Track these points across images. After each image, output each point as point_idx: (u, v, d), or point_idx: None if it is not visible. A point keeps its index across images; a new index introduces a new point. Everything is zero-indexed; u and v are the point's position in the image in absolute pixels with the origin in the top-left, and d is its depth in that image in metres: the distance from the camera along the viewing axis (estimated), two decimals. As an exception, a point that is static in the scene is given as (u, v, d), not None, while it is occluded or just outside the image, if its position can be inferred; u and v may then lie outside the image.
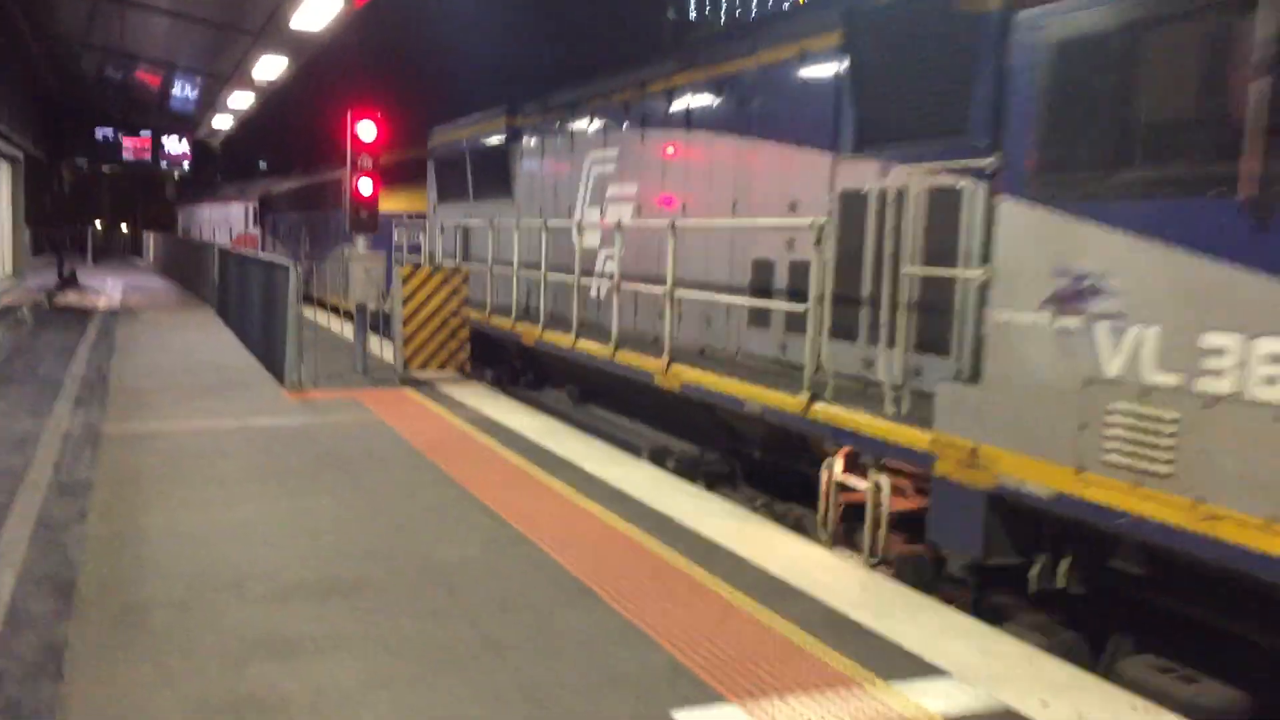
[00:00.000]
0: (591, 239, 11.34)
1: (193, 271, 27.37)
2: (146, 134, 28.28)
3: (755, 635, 4.88)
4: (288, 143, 42.18)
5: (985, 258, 5.91)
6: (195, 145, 30.10)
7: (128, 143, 28.12)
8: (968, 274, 6.06)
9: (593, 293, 11.37)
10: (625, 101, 10.92)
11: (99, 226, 62.41)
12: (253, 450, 8.56)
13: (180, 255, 32.24)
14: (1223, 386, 4.36)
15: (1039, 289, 5.24)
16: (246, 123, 30.53)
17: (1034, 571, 5.38)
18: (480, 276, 13.37)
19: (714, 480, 8.77)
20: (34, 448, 8.37)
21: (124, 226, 72.43)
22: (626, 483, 7.73)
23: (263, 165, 47.99)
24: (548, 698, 4.17)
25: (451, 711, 4.05)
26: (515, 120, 13.99)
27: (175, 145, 28.57)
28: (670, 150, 10.09)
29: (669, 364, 8.75)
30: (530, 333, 11.78)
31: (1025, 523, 5.44)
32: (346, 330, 15.67)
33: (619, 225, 9.89)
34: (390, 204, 17.41)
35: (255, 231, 34.77)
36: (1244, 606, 4.71)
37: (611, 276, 10.16)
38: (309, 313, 12.94)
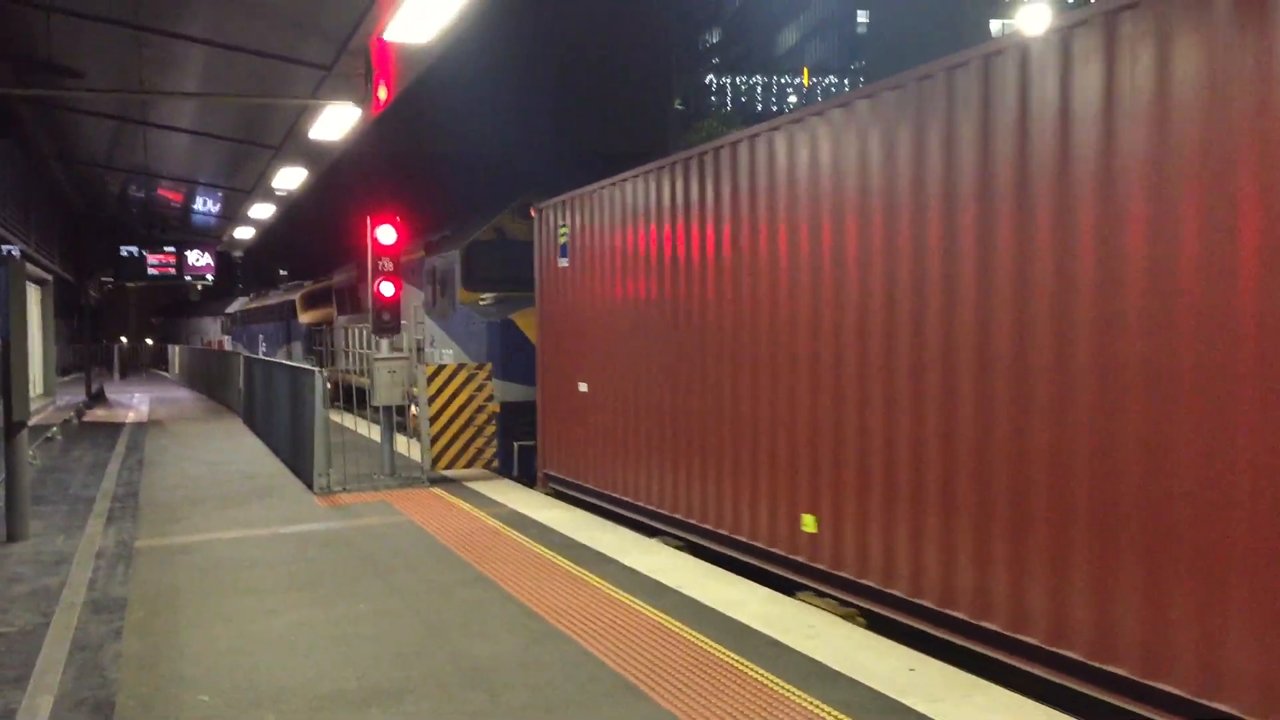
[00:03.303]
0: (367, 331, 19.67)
1: (218, 381, 27.61)
2: (170, 249, 28.71)
3: (804, 725, 4.77)
4: (304, 250, 43.28)
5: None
6: (217, 257, 30.58)
7: (152, 258, 28.53)
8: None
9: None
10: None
11: (125, 342, 63.23)
12: (285, 558, 8.54)
13: (205, 366, 32.60)
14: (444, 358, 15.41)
15: (430, 340, 16.42)
16: (268, 231, 31.11)
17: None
18: (357, 358, 22.42)
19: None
20: (68, 566, 8.37)
21: (149, 340, 73.38)
22: (661, 573, 7.65)
23: (283, 271, 49.17)
24: (596, 801, 4.08)
25: (499, 820, 3.96)
26: (360, 270, 23.22)
27: (198, 258, 28.98)
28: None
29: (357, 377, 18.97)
30: (348, 378, 20.98)
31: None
32: (372, 431, 15.78)
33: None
34: (310, 318, 28.52)
35: (224, 338, 46.68)
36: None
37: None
38: None
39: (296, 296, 30.51)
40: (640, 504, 10.15)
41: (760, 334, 8.04)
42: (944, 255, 6.17)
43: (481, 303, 14.36)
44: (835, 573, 7.15)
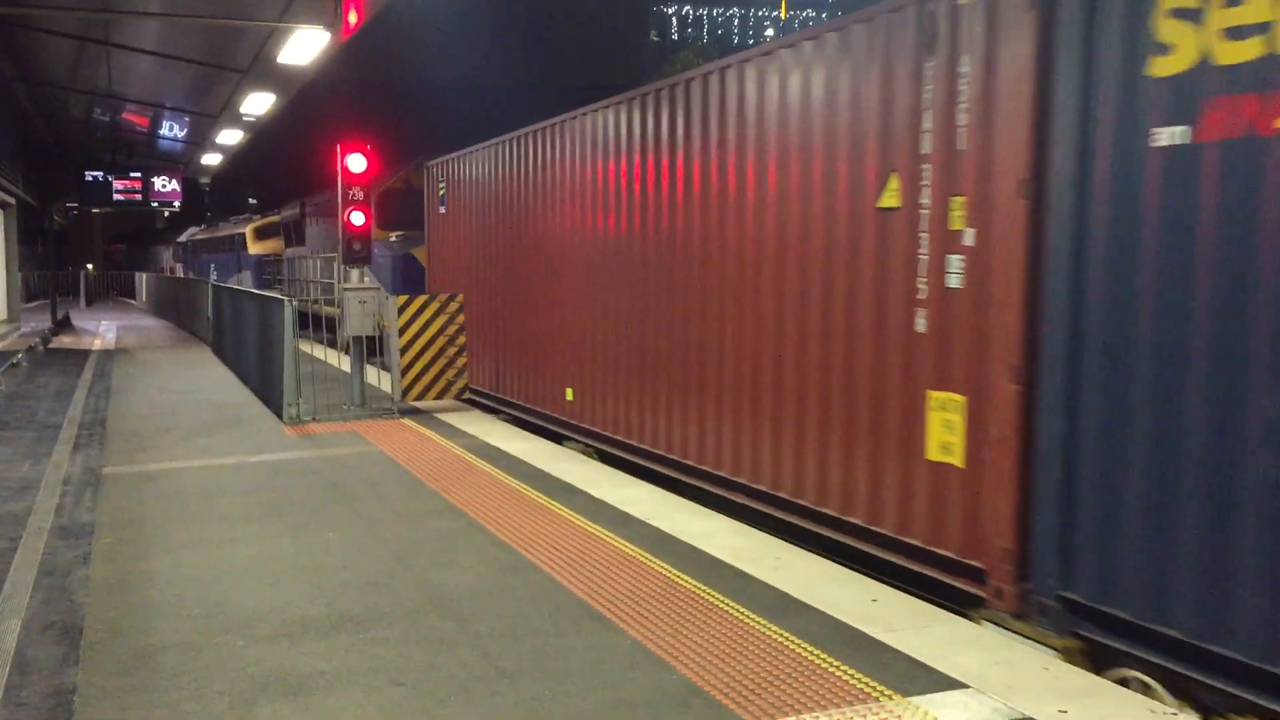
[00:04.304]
0: (313, 262, 22.16)
1: (186, 310, 27.34)
2: (136, 175, 28.14)
3: (768, 653, 4.86)
4: (272, 177, 42.70)
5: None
6: (185, 183, 30.04)
7: (118, 184, 27.94)
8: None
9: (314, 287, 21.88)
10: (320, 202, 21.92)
11: (91, 269, 62.30)
12: (254, 486, 8.54)
13: (174, 294, 32.25)
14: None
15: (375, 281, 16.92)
16: (235, 158, 30.63)
17: None
18: (304, 285, 23.98)
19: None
20: (35, 492, 8.34)
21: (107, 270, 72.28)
22: (629, 504, 7.71)
23: (253, 200, 48.61)
24: (562, 725, 4.15)
25: (466, 743, 4.02)
26: (304, 207, 25.15)
27: (165, 184, 28.44)
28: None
29: (314, 303, 18.08)
30: (304, 305, 19.07)
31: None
32: (342, 362, 15.70)
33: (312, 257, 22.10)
34: (259, 249, 31.34)
35: (177, 265, 49.65)
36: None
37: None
38: None
39: (246, 229, 32.85)
40: (488, 391, 13.34)
41: (540, 264, 11.48)
42: None
43: (391, 239, 17.62)
44: (582, 424, 10.55)
